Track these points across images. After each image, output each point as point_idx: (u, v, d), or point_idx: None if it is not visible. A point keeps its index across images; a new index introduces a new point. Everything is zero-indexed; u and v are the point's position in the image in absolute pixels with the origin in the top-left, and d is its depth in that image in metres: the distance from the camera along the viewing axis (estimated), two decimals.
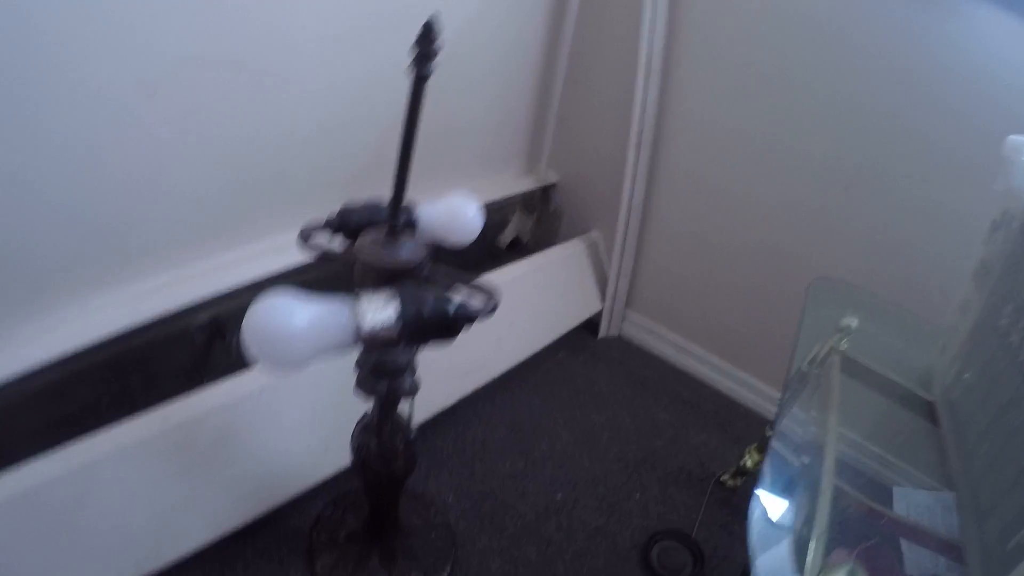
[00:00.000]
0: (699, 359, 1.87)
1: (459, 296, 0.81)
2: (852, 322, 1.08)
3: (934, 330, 1.11)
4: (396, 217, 0.85)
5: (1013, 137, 0.95)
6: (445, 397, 1.55)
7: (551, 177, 1.97)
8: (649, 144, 1.73)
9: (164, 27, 1.05)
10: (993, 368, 0.85)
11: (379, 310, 0.76)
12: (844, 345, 1.08)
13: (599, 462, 1.58)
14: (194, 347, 1.29)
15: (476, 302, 0.82)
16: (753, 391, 1.78)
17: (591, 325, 1.99)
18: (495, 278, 1.62)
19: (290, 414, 1.29)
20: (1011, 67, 1.24)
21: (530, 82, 1.81)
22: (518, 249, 2.06)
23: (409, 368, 0.96)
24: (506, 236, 1.95)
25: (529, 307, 1.74)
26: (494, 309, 0.85)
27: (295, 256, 1.33)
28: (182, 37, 1.08)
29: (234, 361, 1.24)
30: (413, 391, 0.97)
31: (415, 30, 0.72)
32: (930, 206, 1.39)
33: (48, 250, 1.07)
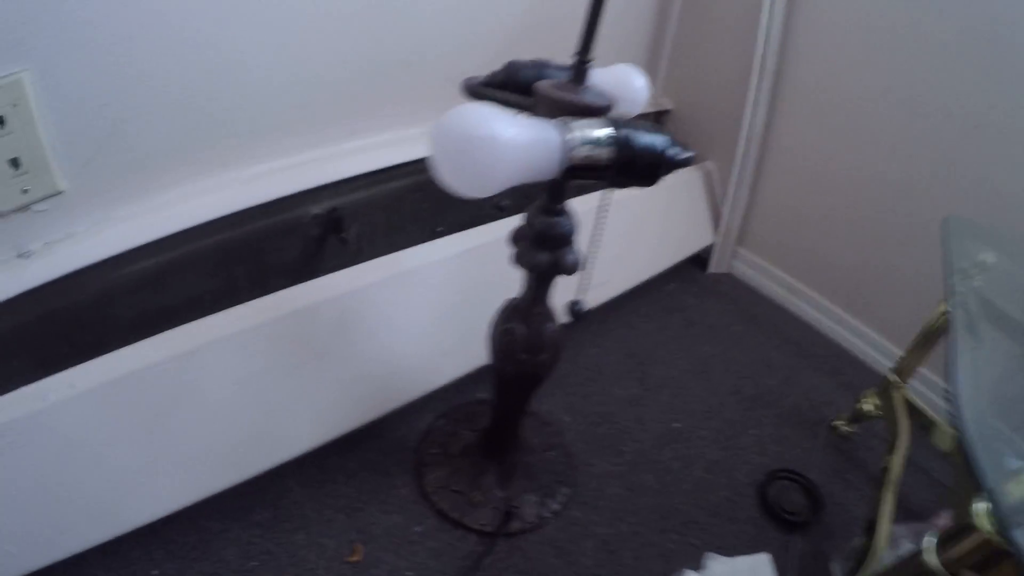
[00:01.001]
0: (810, 302, 1.77)
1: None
2: (989, 258, 0.99)
3: None
4: (585, 54, 0.80)
5: None
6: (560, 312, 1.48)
7: (665, 103, 1.87)
8: (772, 70, 1.62)
9: None
10: None
11: (592, 130, 0.70)
12: (979, 282, 0.99)
13: (714, 394, 1.50)
14: (307, 239, 1.22)
15: (678, 150, 0.76)
16: (865, 340, 1.67)
17: (700, 260, 1.91)
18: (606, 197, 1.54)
19: (410, 312, 1.23)
20: None
21: (647, 2, 1.71)
22: None
23: (572, 241, 0.90)
24: None
25: (641, 232, 1.66)
26: (688, 162, 0.77)
27: (420, 149, 1.26)
28: None
29: (350, 259, 1.18)
30: (575, 267, 0.91)
31: None
32: None
33: (159, 126, 1.01)
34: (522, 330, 0.98)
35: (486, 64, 1.34)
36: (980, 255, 1.02)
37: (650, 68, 1.83)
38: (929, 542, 0.70)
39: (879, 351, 1.63)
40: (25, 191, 0.91)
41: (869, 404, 1.39)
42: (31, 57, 0.85)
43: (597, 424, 1.38)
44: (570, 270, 0.92)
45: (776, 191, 1.75)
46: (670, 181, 1.68)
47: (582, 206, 0.93)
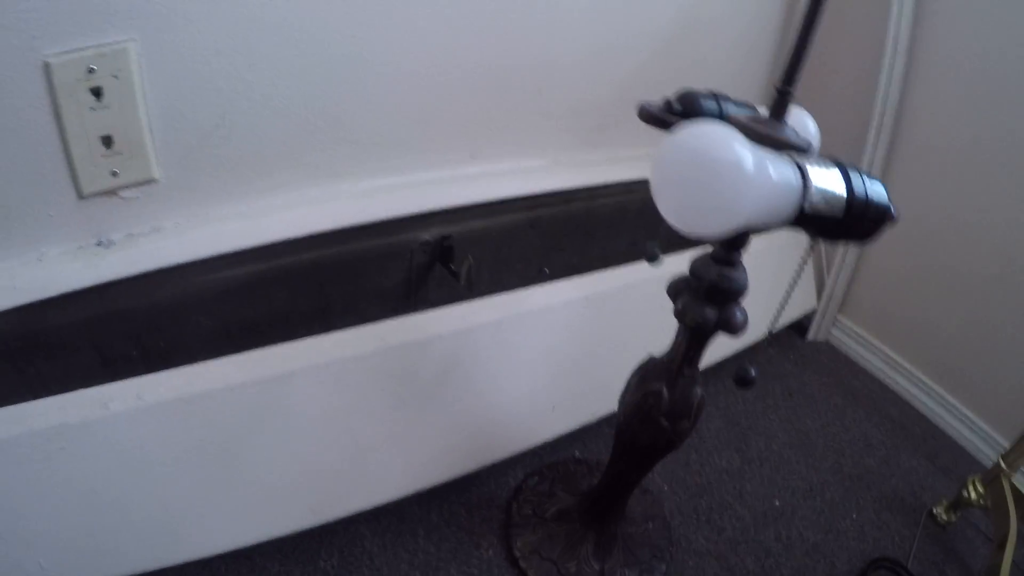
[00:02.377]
0: (910, 378, 1.62)
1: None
2: None
3: None
4: (790, 84, 0.68)
5: None
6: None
7: None
8: (890, 125, 1.49)
9: None
10: None
11: (830, 176, 0.59)
12: None
13: (815, 471, 1.36)
14: (413, 267, 1.09)
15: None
16: (965, 423, 1.52)
17: (799, 326, 1.77)
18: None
19: (523, 359, 1.10)
20: None
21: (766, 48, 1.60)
22: None
23: (742, 298, 0.78)
24: None
25: (751, 293, 1.52)
26: (896, 219, 0.65)
27: (543, 183, 1.15)
28: None
29: (458, 293, 1.06)
30: (742, 327, 0.78)
31: None
32: None
33: (271, 122, 0.89)
34: (666, 393, 0.84)
35: (612, 98, 1.24)
36: None
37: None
38: None
39: (980, 437, 1.49)
40: (115, 174, 0.80)
41: (973, 493, 1.24)
42: (140, 26, 0.74)
43: (697, 496, 1.24)
44: (737, 330, 0.79)
45: (885, 255, 1.61)
46: (774, 241, 1.57)
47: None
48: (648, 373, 0.87)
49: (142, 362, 0.85)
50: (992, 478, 1.19)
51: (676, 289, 0.80)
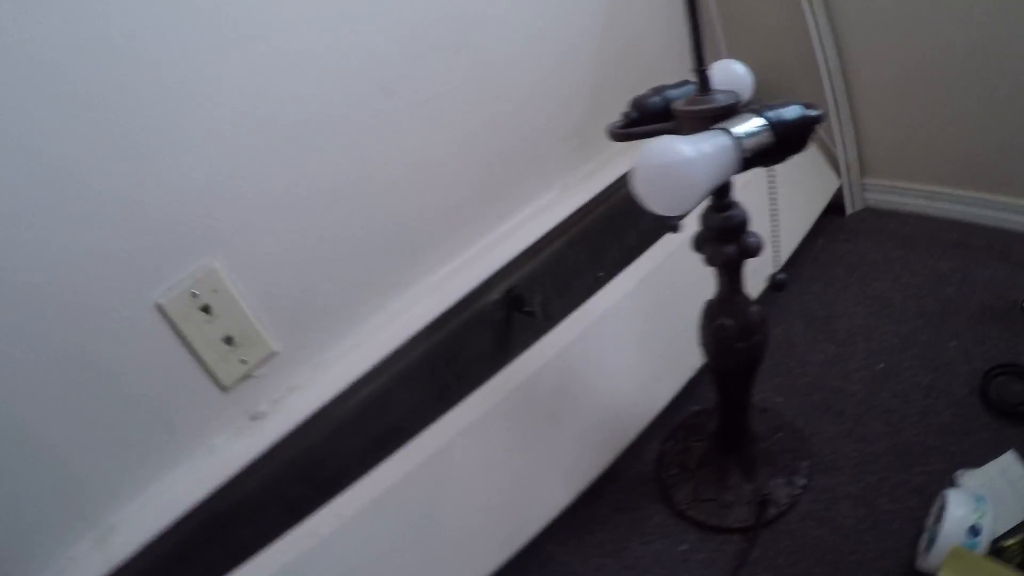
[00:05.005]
0: (954, 200, 1.66)
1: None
2: None
3: None
4: (700, 64, 0.84)
5: None
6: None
7: None
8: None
9: (393, 29, 1.05)
10: None
11: (750, 124, 0.75)
12: None
13: (903, 323, 1.43)
14: (496, 324, 1.24)
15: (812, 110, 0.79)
16: (1020, 212, 1.55)
17: (836, 208, 1.82)
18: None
19: (614, 353, 1.24)
20: None
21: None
22: None
23: (748, 227, 0.92)
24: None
25: (775, 205, 1.61)
26: (822, 117, 0.80)
27: (562, 211, 1.31)
28: (410, 34, 1.08)
29: (539, 326, 1.19)
30: (759, 247, 0.91)
31: None
32: None
33: (341, 269, 1.08)
34: (730, 322, 0.97)
35: (584, 116, 1.38)
36: None
37: (712, 49, 1.79)
38: None
39: None
40: (244, 362, 0.98)
41: None
42: (218, 244, 0.92)
43: (809, 394, 1.33)
44: (756, 251, 0.92)
45: (876, 108, 1.66)
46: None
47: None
48: (711, 313, 1.00)
49: (319, 498, 1.00)
50: None
51: (698, 243, 0.94)
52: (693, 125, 0.80)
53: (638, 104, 0.89)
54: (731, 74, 0.92)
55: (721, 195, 0.89)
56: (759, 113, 0.76)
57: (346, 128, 1.03)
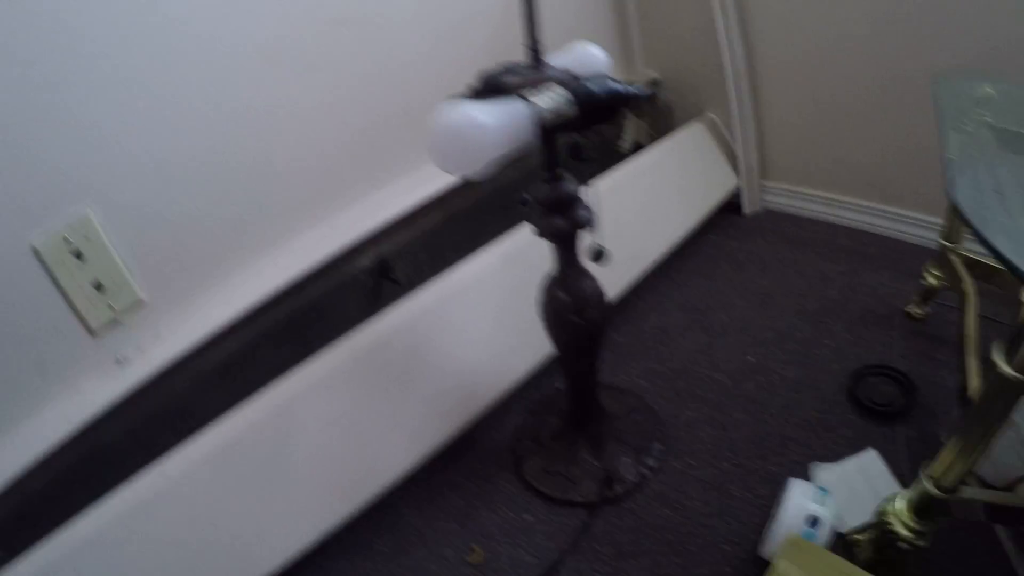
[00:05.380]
0: (850, 207, 1.70)
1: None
2: (988, 91, 0.93)
3: None
4: (533, 42, 0.86)
5: None
6: (609, 293, 1.47)
7: (650, 73, 1.85)
8: (734, 5, 1.59)
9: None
10: None
11: (553, 95, 0.77)
12: (988, 117, 0.92)
13: (780, 319, 1.45)
14: (364, 290, 1.26)
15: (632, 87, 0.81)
16: (912, 224, 1.60)
17: (734, 207, 1.85)
18: (624, 173, 1.54)
19: (471, 323, 1.25)
20: None
21: None
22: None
23: (579, 200, 0.92)
24: (626, 142, 1.86)
25: (664, 194, 1.64)
26: (645, 97, 0.80)
27: (438, 184, 1.31)
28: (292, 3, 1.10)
29: (406, 297, 1.21)
30: (589, 220, 0.92)
31: None
32: None
33: (208, 226, 1.09)
34: (564, 295, 0.99)
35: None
36: (979, 91, 0.96)
37: (624, 40, 1.83)
38: (996, 353, 0.65)
39: (927, 228, 1.55)
40: (112, 308, 0.99)
41: (932, 278, 1.32)
42: (93, 195, 0.94)
43: (675, 379, 1.35)
44: (585, 224, 0.93)
45: (780, 116, 1.70)
46: (676, 141, 1.68)
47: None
48: (548, 285, 1.01)
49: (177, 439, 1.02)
50: (941, 257, 1.27)
51: (528, 216, 0.94)
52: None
53: (483, 78, 0.89)
54: (583, 55, 0.93)
55: (546, 166, 0.90)
56: (568, 84, 0.78)
57: (224, 93, 1.05)
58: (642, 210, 1.55)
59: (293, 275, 1.17)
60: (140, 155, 0.98)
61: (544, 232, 0.93)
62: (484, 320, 1.26)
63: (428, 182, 1.32)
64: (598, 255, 0.94)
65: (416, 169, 1.34)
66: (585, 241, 0.97)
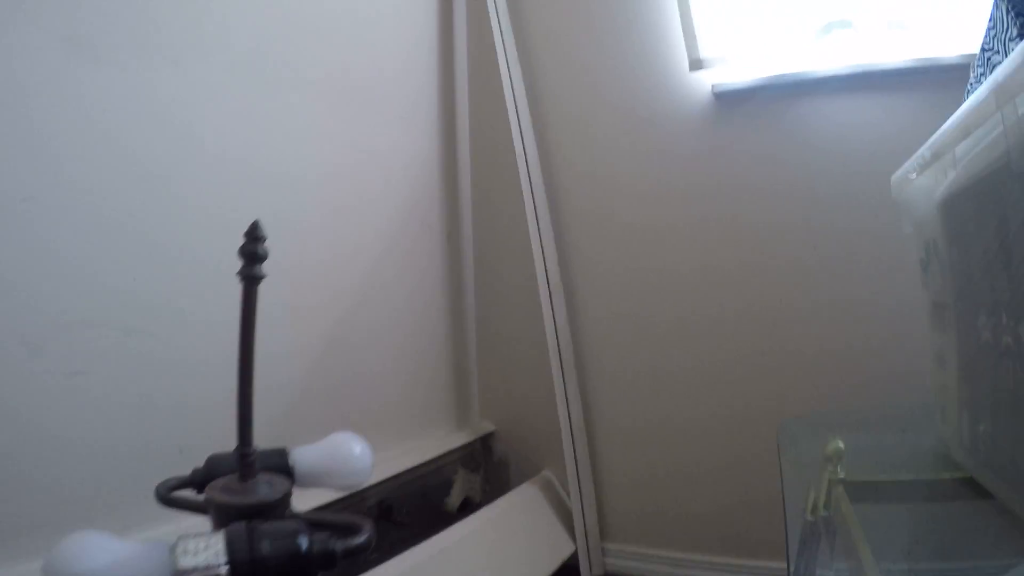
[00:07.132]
0: (701, 566, 1.56)
1: (318, 534, 0.61)
2: (838, 445, 0.87)
3: (923, 408, 0.91)
4: (245, 449, 0.64)
5: (895, 175, 0.87)
6: None
7: (487, 427, 1.76)
8: (572, 366, 1.59)
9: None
10: (1001, 388, 0.65)
11: (201, 550, 0.57)
12: (841, 473, 0.85)
13: None
14: None
15: (340, 540, 0.61)
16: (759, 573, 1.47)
17: (571, 570, 1.65)
18: (445, 540, 1.35)
19: None
20: None
21: (441, 330, 1.71)
22: (471, 510, 1.75)
23: None
24: (454, 499, 1.66)
25: (494, 563, 1.43)
26: (365, 547, 0.62)
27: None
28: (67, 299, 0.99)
29: None
30: None
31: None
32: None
33: None
34: None
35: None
36: (829, 446, 0.88)
37: (462, 393, 1.76)
38: None
39: None
40: None
41: None
42: None
43: None
44: None
45: (620, 478, 1.63)
46: (508, 504, 1.54)
47: None
48: None
49: None
50: None
51: None
52: (218, 516, 0.63)
53: (210, 464, 0.67)
54: (342, 451, 0.74)
55: None
56: (234, 536, 0.58)
57: None
58: None
59: None
60: None
61: None
62: None
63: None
64: None
65: None
66: None
